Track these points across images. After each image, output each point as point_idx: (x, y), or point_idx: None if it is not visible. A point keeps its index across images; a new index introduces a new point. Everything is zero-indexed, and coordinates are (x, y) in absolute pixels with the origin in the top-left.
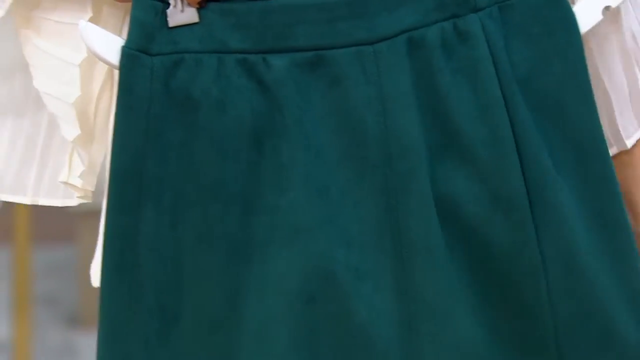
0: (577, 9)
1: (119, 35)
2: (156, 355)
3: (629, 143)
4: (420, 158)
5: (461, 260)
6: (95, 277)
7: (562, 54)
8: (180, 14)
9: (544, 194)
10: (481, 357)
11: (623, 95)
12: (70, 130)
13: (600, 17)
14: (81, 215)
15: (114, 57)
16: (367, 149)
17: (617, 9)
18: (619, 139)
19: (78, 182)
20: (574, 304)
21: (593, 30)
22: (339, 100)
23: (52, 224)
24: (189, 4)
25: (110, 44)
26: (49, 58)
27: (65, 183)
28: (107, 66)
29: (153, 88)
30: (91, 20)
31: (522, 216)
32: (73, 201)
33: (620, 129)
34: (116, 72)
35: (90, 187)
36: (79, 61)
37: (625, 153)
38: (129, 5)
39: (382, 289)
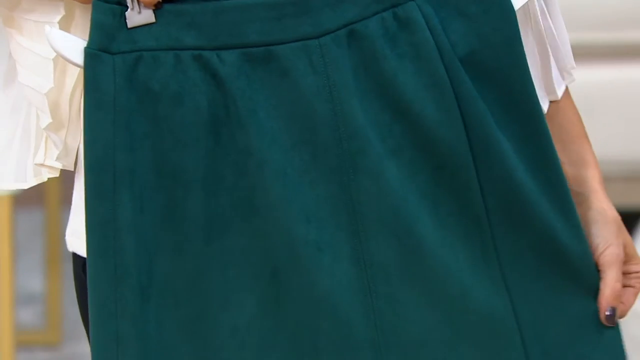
0: None
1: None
2: (142, 331)
3: (559, 93)
4: (368, 138)
5: (412, 224)
6: (71, 242)
7: (498, 29)
8: (138, 15)
9: (490, 157)
10: (441, 308)
11: (548, 56)
12: (44, 118)
13: None
14: None
15: (78, 58)
16: (319, 133)
17: None
18: (552, 92)
19: (56, 164)
20: (512, 218)
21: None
22: (290, 91)
23: None
24: (146, 6)
25: (73, 45)
26: (29, 54)
27: (42, 165)
28: None
29: (117, 83)
30: (64, 20)
31: (467, 176)
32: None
33: (554, 83)
34: None
35: (70, 168)
36: (52, 56)
37: (554, 104)
38: None
39: (340, 259)
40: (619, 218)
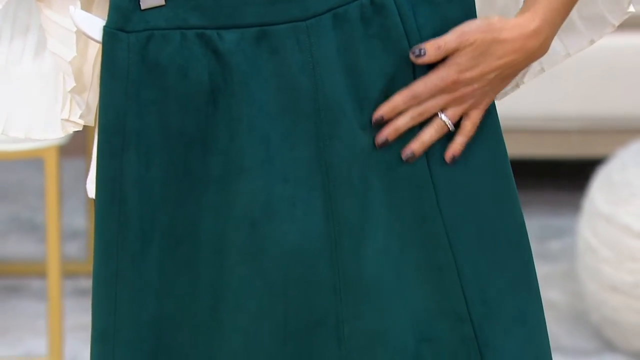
0: None
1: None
2: (140, 269)
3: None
4: (343, 109)
5: (375, 188)
6: (91, 189)
7: (458, 15)
8: None
9: None
10: (392, 258)
11: None
12: (69, 81)
13: None
14: None
15: (98, 35)
16: (301, 104)
17: None
18: None
19: (79, 121)
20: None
21: None
22: (279, 66)
23: None
24: None
25: (94, 24)
26: (56, 26)
27: (67, 120)
28: None
29: (130, 58)
30: None
31: None
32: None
33: None
34: None
35: (91, 124)
36: (76, 29)
37: None
38: None
39: (312, 213)
40: (482, 37)
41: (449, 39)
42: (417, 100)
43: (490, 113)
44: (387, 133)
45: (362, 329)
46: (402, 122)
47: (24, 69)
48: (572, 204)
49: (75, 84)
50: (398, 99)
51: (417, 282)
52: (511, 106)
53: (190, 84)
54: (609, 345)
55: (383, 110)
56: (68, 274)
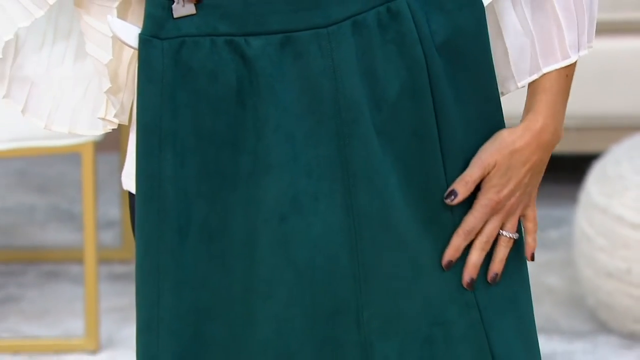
0: None
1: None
2: (179, 262)
3: (520, 85)
4: (362, 110)
5: (392, 182)
6: (125, 182)
7: (469, 23)
8: (182, 8)
9: (450, 132)
10: (409, 249)
11: (515, 50)
12: (105, 82)
13: None
14: None
15: (134, 41)
16: (323, 105)
17: None
18: (512, 82)
19: (114, 119)
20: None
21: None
22: (302, 70)
23: None
24: (189, 1)
25: (129, 31)
26: (94, 31)
27: (103, 119)
28: None
29: (164, 63)
30: (121, 5)
31: (433, 146)
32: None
33: (514, 74)
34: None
35: (125, 123)
36: (111, 34)
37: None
38: None
39: (333, 207)
40: (513, 142)
41: (472, 172)
42: (474, 232)
43: None
44: (470, 273)
45: (379, 314)
46: (475, 258)
47: (65, 70)
48: (570, 196)
49: (110, 85)
50: (458, 240)
51: (431, 272)
52: (515, 106)
53: (219, 86)
54: (603, 327)
55: (449, 254)
56: (103, 260)
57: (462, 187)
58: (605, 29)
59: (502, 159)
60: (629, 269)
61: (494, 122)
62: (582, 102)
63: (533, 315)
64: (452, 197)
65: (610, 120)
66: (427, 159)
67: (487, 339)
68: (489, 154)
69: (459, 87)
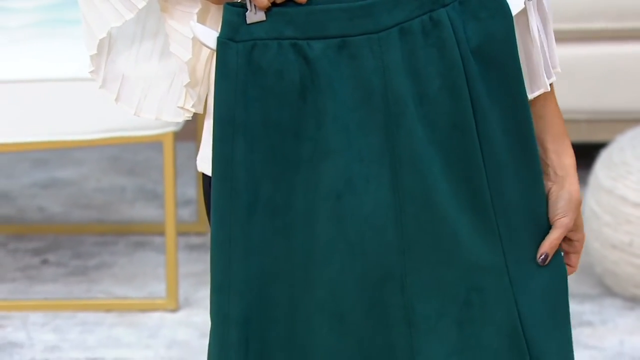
0: (509, 0)
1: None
2: (247, 234)
3: (548, 87)
4: (407, 104)
5: (435, 166)
6: (200, 165)
7: (500, 30)
8: (254, 15)
9: (486, 125)
10: (448, 224)
11: (539, 57)
12: (185, 77)
13: (522, 5)
14: None
15: (212, 44)
16: (374, 99)
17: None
18: (540, 85)
19: (192, 109)
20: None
21: (521, 12)
22: (356, 69)
23: None
24: (260, 9)
25: (208, 35)
26: (176, 33)
27: (182, 108)
28: None
29: (238, 63)
30: (201, 11)
31: (472, 135)
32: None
33: (543, 76)
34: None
35: (200, 112)
36: (192, 36)
37: (542, 97)
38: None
39: (382, 187)
40: (579, 200)
41: (558, 235)
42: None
43: None
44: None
45: (420, 280)
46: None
47: (152, 66)
48: (580, 179)
49: (189, 80)
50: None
51: (469, 245)
52: None
53: (285, 83)
54: (609, 291)
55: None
56: (181, 232)
57: (552, 250)
58: (611, 36)
59: (575, 215)
60: (631, 242)
61: (522, 118)
62: (591, 98)
63: (562, 279)
64: (544, 257)
65: (615, 114)
66: (466, 147)
67: (515, 301)
68: (569, 216)
69: (490, 86)
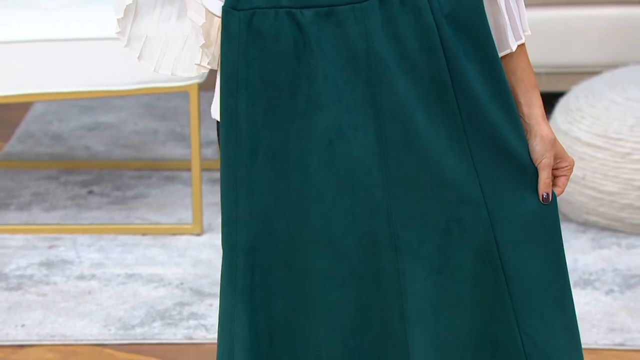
0: None
1: None
2: (250, 175)
3: (513, 47)
4: (388, 63)
5: (417, 115)
6: (213, 113)
7: None
8: None
9: (460, 77)
10: (429, 164)
11: (505, 21)
12: (200, 39)
13: None
14: None
15: (218, 12)
16: (359, 59)
17: None
18: (506, 46)
19: (207, 66)
20: (480, 133)
21: None
22: (342, 34)
23: None
24: None
25: (215, 4)
26: (193, 2)
27: (199, 65)
28: None
29: (240, 28)
30: None
31: (447, 88)
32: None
33: (508, 39)
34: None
35: (215, 68)
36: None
37: (510, 56)
38: None
39: (368, 134)
40: (553, 138)
41: (546, 175)
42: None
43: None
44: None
45: (404, 212)
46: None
47: (170, 27)
48: None
49: (204, 41)
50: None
51: (450, 178)
52: None
53: (280, 46)
54: (565, 217)
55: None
56: (205, 168)
57: (548, 189)
58: (568, 2)
59: (553, 152)
60: (584, 176)
61: (496, 73)
62: (551, 54)
63: (551, 205)
64: (547, 196)
65: (571, 68)
66: (443, 96)
67: (492, 228)
68: (547, 156)
69: (465, 47)
